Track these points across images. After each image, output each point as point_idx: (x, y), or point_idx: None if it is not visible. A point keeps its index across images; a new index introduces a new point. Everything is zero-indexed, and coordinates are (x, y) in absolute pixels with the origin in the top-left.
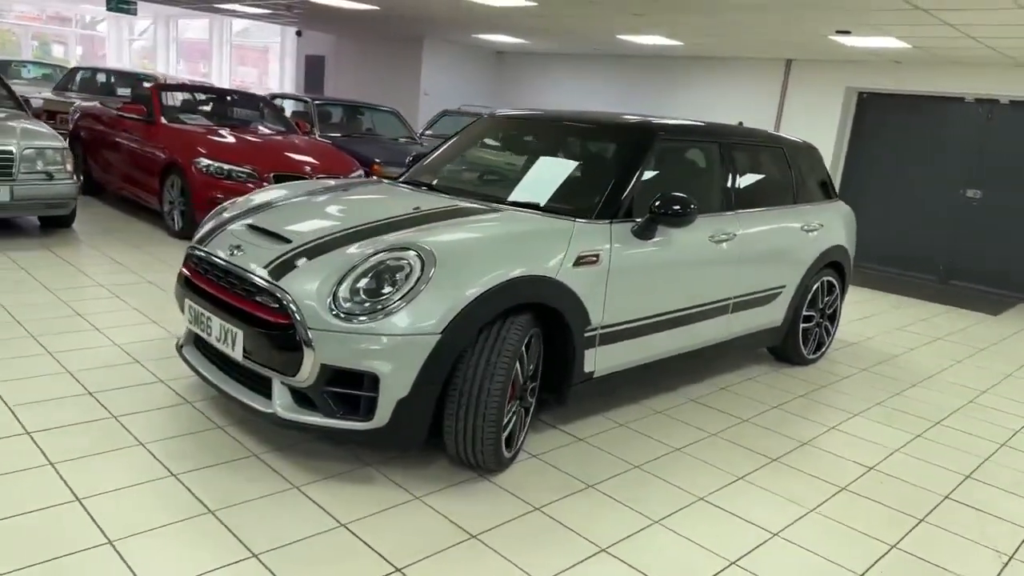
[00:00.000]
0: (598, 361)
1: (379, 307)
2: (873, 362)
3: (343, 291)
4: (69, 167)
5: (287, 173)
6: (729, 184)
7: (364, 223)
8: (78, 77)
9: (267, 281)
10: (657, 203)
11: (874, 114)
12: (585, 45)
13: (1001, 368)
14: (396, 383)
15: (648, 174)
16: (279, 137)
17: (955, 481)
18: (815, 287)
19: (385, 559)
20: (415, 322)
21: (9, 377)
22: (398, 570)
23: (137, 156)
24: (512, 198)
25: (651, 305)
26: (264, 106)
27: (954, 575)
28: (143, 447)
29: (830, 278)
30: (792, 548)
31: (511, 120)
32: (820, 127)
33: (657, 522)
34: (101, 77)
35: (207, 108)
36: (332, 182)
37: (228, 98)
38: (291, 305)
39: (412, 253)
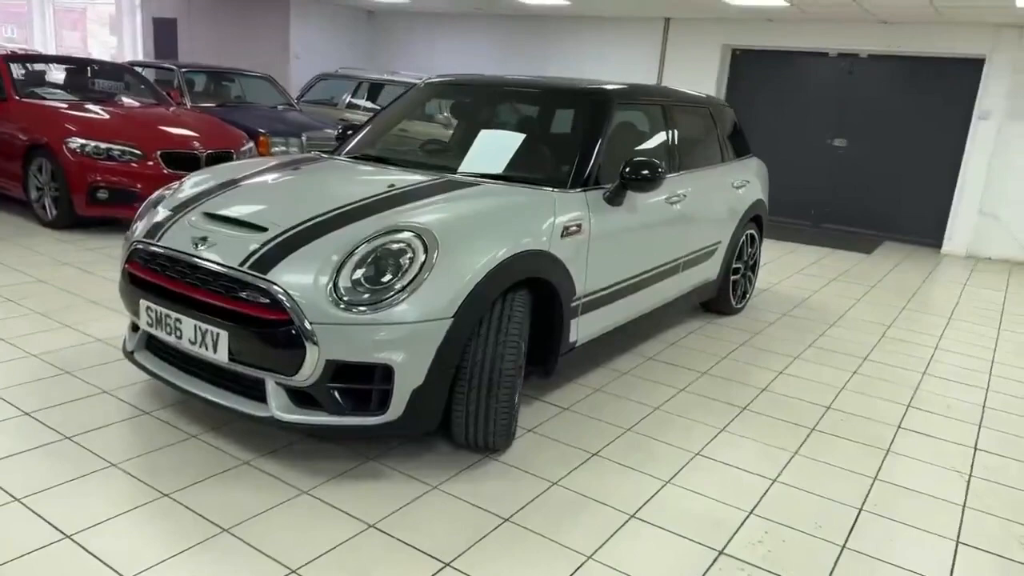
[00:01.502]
0: (580, 330)
1: (385, 295)
2: (789, 306)
3: (343, 280)
4: None
5: (175, 150)
6: (675, 146)
7: (342, 205)
8: None
9: (252, 275)
10: (627, 169)
11: (747, 70)
12: (467, 3)
13: (894, 302)
14: (410, 372)
15: (609, 140)
16: (155, 110)
17: (899, 412)
18: (742, 240)
19: (430, 556)
20: (426, 308)
21: None
22: (447, 564)
23: None
24: (478, 170)
25: (622, 270)
26: (129, 76)
27: (935, 499)
28: (117, 468)
29: (752, 231)
30: (793, 492)
31: (454, 87)
32: (699, 84)
33: (668, 482)
34: None
35: (63, 80)
36: (274, 161)
37: (87, 68)
38: (287, 299)
39: (411, 235)
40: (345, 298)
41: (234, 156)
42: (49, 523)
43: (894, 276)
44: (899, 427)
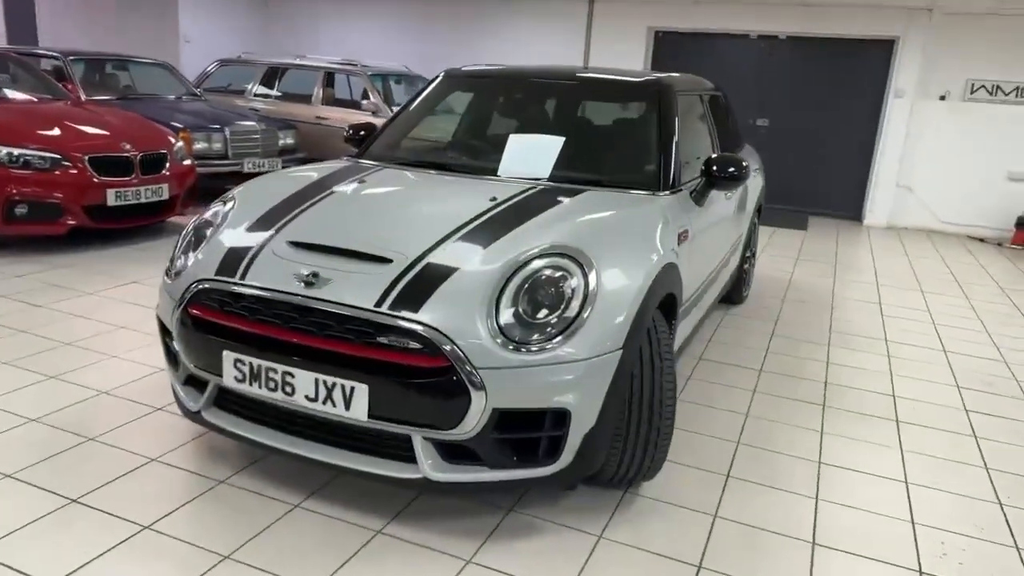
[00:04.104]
0: (677, 339)
1: (554, 330)
2: (780, 290)
3: (504, 316)
4: None
5: (103, 154)
6: (715, 136)
7: (459, 226)
8: None
9: (399, 317)
10: (714, 167)
11: (671, 53)
12: None
13: (864, 279)
14: (585, 415)
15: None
16: (58, 106)
17: (955, 393)
18: (751, 229)
19: None
20: (597, 341)
21: None
22: None
23: None
24: (558, 173)
25: (703, 272)
26: (15, 67)
27: None
28: (233, 561)
29: (754, 219)
30: (930, 493)
31: (481, 79)
32: (625, 67)
33: (818, 499)
34: None
35: None
36: (314, 173)
37: None
38: (447, 343)
39: (564, 259)
40: (510, 337)
41: (167, 157)
42: None
43: (844, 251)
44: (967, 410)
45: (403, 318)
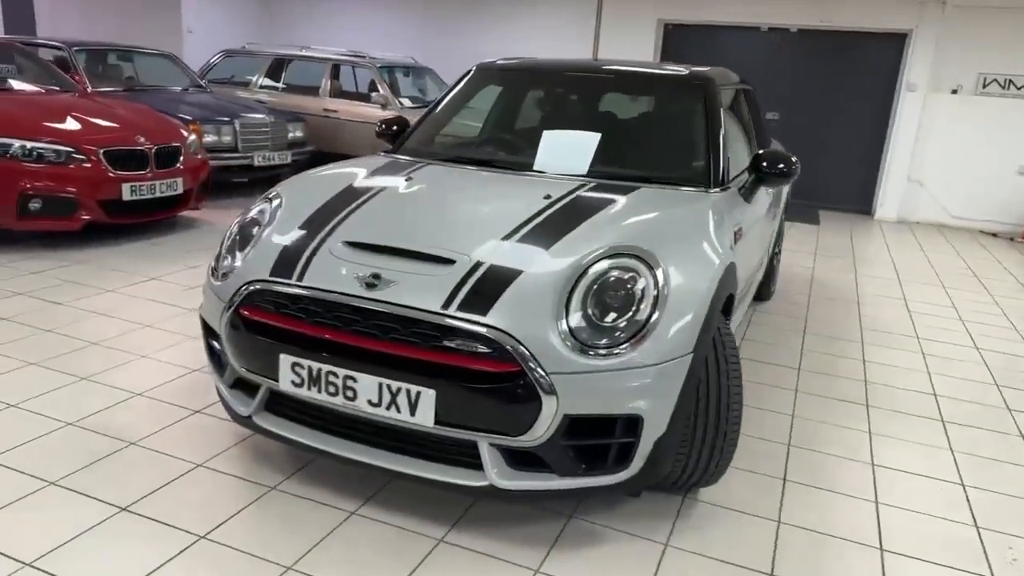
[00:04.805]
0: None
1: (623, 334)
2: (804, 286)
3: (574, 319)
4: None
5: (118, 147)
6: (753, 131)
7: (518, 226)
8: None
9: (468, 320)
10: (765, 163)
11: (680, 45)
12: None
13: (884, 274)
14: (656, 421)
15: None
16: (67, 98)
17: (994, 392)
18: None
19: None
20: (668, 344)
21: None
22: None
23: None
24: (603, 170)
25: (749, 270)
26: (20, 57)
27: None
28: (296, 573)
29: (782, 214)
30: (988, 495)
31: (518, 73)
32: (637, 59)
33: (878, 503)
34: None
35: None
36: (356, 169)
37: None
38: (518, 347)
39: (633, 260)
40: (583, 338)
41: (181, 150)
42: None
43: (860, 246)
44: (1010, 409)
45: (472, 321)
